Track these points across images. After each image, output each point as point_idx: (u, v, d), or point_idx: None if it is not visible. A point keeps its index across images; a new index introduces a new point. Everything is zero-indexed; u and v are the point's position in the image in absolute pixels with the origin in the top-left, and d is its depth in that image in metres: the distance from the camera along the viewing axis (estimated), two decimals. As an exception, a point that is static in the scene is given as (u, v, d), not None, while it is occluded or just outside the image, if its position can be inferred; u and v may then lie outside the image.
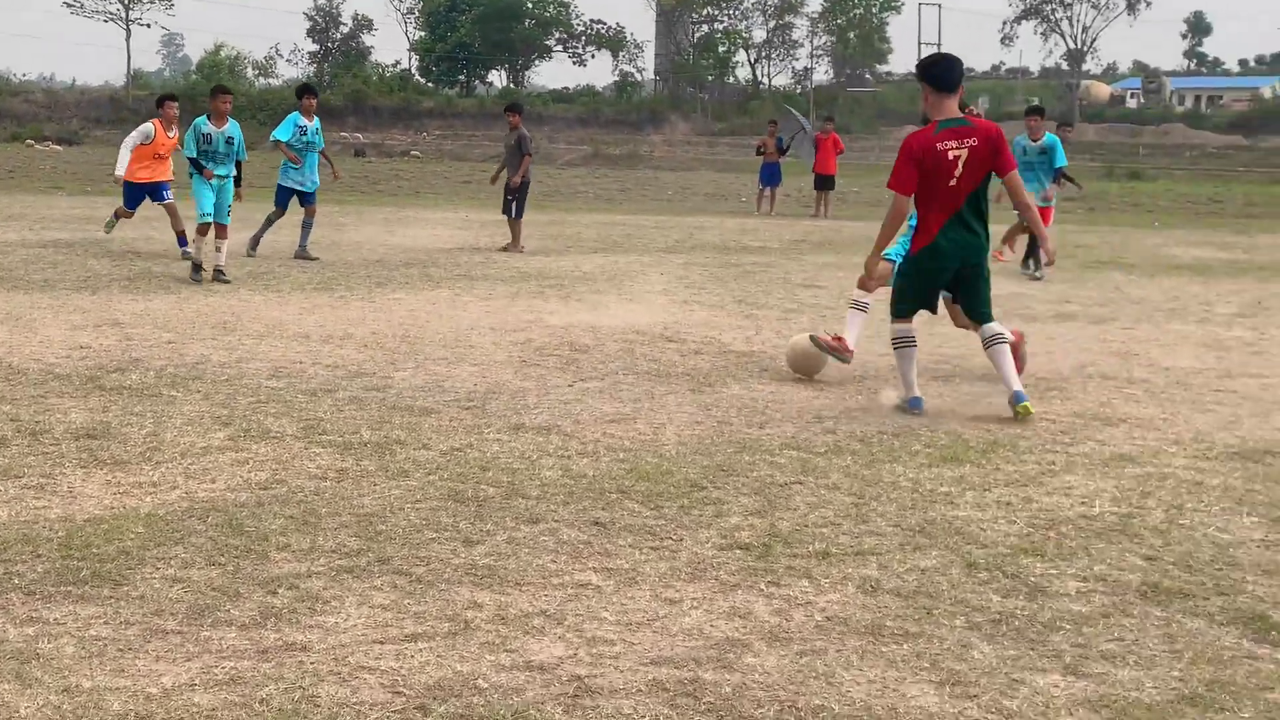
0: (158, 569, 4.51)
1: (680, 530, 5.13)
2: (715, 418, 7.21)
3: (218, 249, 13.06)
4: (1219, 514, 5.51)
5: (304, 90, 16.45)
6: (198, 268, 12.95)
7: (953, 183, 7.20)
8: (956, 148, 7.18)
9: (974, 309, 7.63)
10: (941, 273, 7.51)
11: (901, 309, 7.72)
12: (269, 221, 15.50)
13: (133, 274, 13.32)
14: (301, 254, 15.26)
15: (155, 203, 15.14)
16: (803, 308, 12.01)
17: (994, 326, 7.52)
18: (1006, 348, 7.48)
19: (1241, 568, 4.81)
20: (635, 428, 6.91)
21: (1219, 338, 10.69)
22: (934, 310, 7.89)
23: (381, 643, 3.92)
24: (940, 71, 7.36)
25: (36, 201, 24.22)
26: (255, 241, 15.38)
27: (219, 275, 12.81)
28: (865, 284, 8.26)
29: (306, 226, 15.46)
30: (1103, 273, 16.14)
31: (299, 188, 15.49)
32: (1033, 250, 15.34)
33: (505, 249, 17.30)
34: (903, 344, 7.66)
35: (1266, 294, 14.11)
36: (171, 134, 14.91)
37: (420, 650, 3.87)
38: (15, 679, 3.58)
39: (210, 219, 13.07)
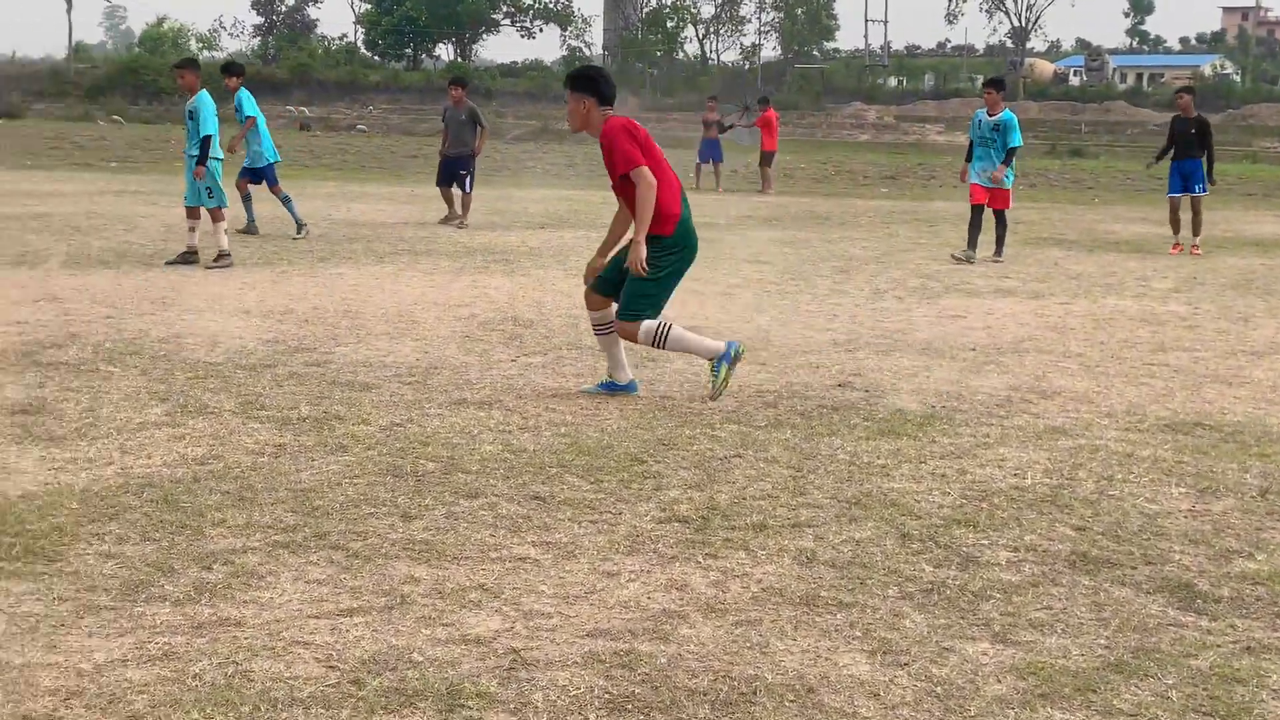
0: (92, 545, 4.48)
1: (619, 504, 5.16)
2: (657, 392, 7.24)
3: (190, 229, 12.55)
4: (1148, 485, 5.60)
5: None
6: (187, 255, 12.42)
7: (665, 165, 6.90)
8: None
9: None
10: (693, 253, 7.05)
11: (658, 305, 7.00)
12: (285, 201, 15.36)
13: (72, 248, 13.15)
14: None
15: None
16: (747, 283, 12.06)
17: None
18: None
19: (1169, 537, 4.90)
20: (577, 403, 6.93)
21: (1154, 312, 10.85)
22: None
23: (316, 617, 3.92)
24: (610, 84, 7.00)
25: (-28, 175, 23.80)
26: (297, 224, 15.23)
27: (185, 257, 12.37)
28: (638, 270, 6.87)
29: (248, 200, 15.43)
30: (1042, 248, 16.30)
31: (246, 165, 15.43)
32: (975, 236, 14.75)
33: (444, 221, 17.25)
34: (665, 331, 6.92)
35: (1201, 269, 14.32)
36: None
37: (355, 624, 3.87)
38: (-56, 656, 3.56)
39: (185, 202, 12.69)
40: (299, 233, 15.04)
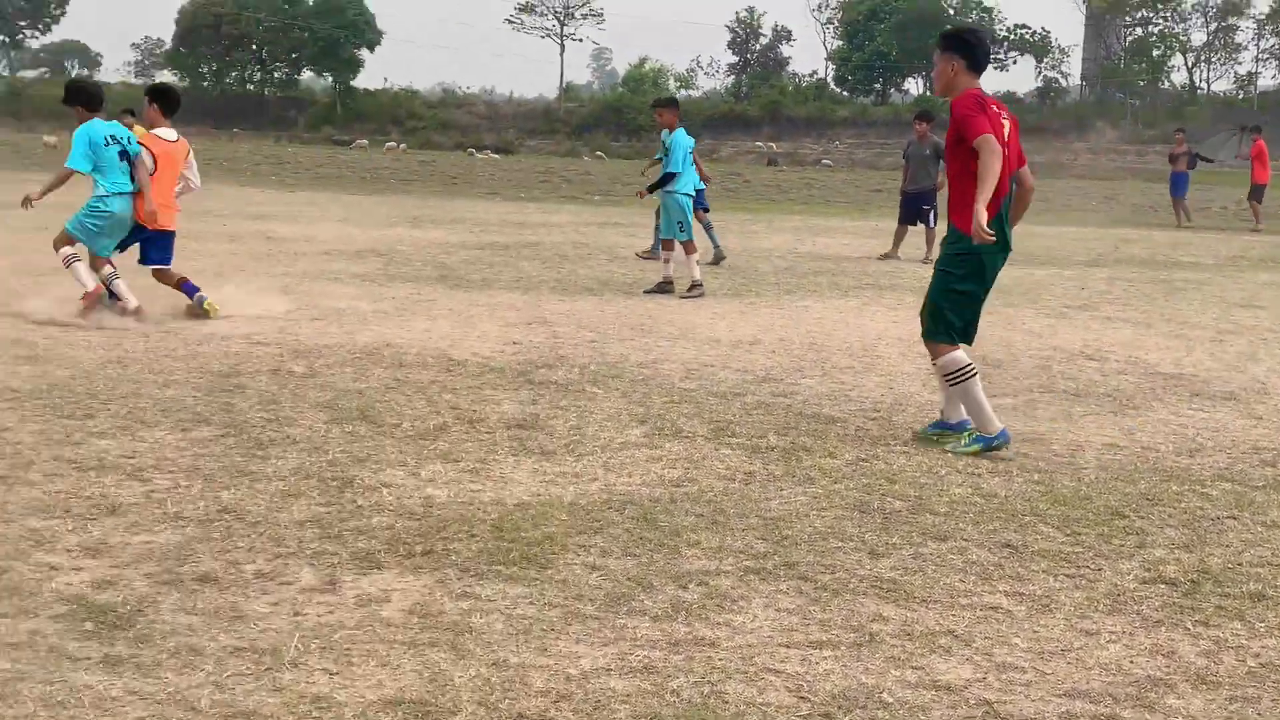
0: (578, 555, 4.75)
1: (1099, 559, 4.89)
2: (1139, 443, 6.82)
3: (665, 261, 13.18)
4: None
5: None
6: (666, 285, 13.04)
7: (1005, 152, 6.28)
8: (1005, 116, 6.36)
9: None
10: (997, 266, 6.54)
11: (957, 325, 6.53)
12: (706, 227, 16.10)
13: (560, 276, 14.11)
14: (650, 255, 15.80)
15: None
16: (1240, 329, 11.17)
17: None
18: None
19: None
20: (1050, 449, 6.65)
21: None
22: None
23: (787, 646, 3.96)
24: (984, 51, 6.50)
25: (476, 206, 26.12)
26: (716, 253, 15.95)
27: (661, 286, 12.92)
28: (982, 237, 6.23)
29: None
30: None
31: None
32: None
33: (884, 257, 17.17)
34: (967, 373, 6.47)
35: None
36: None
37: (825, 658, 3.88)
38: (451, 649, 3.87)
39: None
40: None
